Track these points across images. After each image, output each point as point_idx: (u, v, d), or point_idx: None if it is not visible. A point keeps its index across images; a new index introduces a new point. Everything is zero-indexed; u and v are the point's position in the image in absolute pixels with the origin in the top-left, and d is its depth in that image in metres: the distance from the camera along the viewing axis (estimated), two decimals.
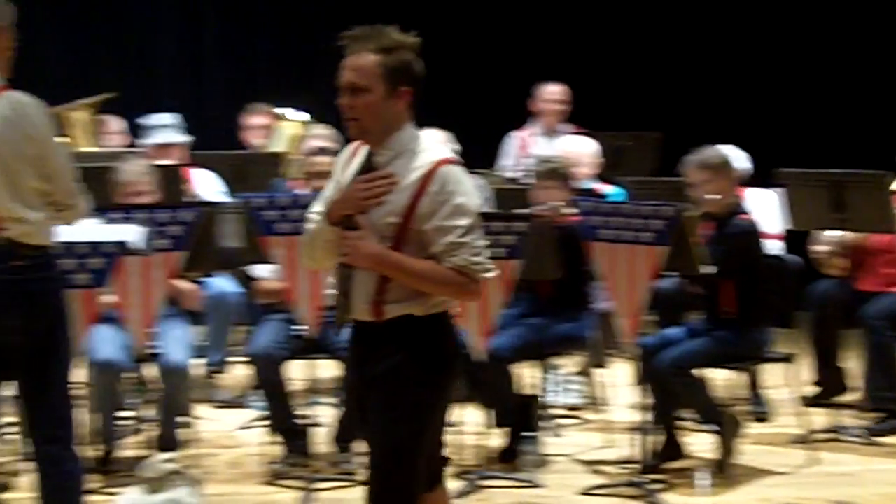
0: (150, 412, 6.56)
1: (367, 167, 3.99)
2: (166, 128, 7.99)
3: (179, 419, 6.46)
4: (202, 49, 12.07)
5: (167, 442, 6.32)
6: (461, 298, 4.06)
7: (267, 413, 6.50)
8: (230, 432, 7.19)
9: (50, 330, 4.74)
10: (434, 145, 4.05)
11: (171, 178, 7.17)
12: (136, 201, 6.35)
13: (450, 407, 4.13)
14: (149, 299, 5.98)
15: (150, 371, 6.53)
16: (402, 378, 3.93)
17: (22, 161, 4.60)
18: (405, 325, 3.95)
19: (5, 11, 4.73)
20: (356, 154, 4.07)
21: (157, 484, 5.65)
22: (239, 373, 7.84)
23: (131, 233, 5.67)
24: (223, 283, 7.54)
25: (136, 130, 8.33)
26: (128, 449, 6.48)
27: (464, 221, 3.90)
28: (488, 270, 3.97)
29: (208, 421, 7.23)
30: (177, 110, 8.21)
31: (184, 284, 6.52)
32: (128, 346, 6.23)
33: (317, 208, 4.10)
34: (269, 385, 6.37)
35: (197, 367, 7.20)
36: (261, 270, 6.57)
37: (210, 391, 7.75)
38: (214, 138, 8.88)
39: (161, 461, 5.76)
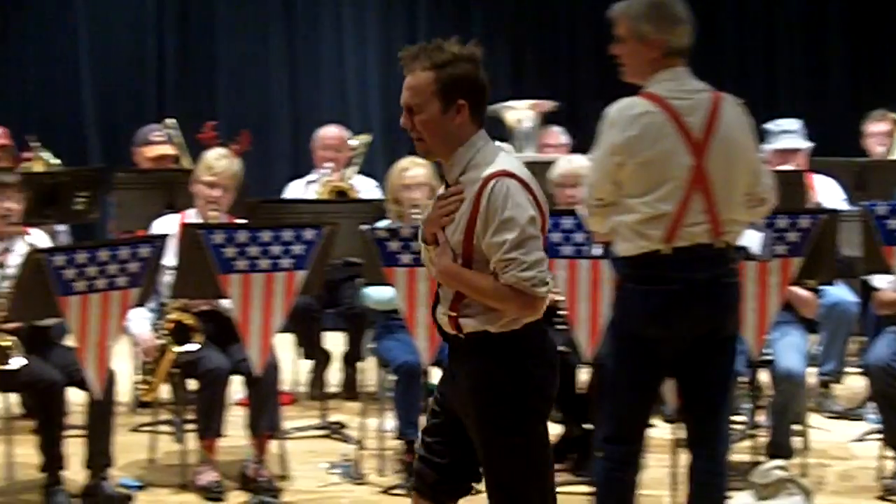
0: (762, 418, 6.58)
1: (446, 184, 3.98)
2: (789, 133, 7.96)
3: (792, 427, 6.44)
4: (827, 55, 11.97)
5: (779, 449, 6.31)
6: (521, 315, 3.87)
7: (882, 426, 6.35)
8: (843, 443, 7.07)
9: (734, 330, 4.81)
10: (494, 157, 3.90)
11: (793, 184, 7.15)
12: None
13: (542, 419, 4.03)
14: (764, 305, 6.00)
15: (764, 377, 6.55)
16: (487, 400, 3.90)
17: (740, 165, 4.68)
18: (484, 341, 3.90)
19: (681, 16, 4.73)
20: None
21: (768, 490, 5.68)
22: (854, 384, 7.70)
23: (751, 238, 5.72)
24: (841, 292, 7.43)
25: (760, 136, 8.36)
26: (739, 453, 6.53)
27: (510, 236, 3.77)
28: (543, 285, 3.80)
29: (821, 431, 7.16)
30: (800, 116, 8.17)
31: (801, 292, 6.50)
32: (742, 352, 6.27)
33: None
34: (885, 398, 6.20)
35: (811, 375, 7.14)
36: (880, 281, 6.41)
37: (824, 401, 7.65)
38: (837, 144, 8.76)
39: (773, 468, 5.77)
